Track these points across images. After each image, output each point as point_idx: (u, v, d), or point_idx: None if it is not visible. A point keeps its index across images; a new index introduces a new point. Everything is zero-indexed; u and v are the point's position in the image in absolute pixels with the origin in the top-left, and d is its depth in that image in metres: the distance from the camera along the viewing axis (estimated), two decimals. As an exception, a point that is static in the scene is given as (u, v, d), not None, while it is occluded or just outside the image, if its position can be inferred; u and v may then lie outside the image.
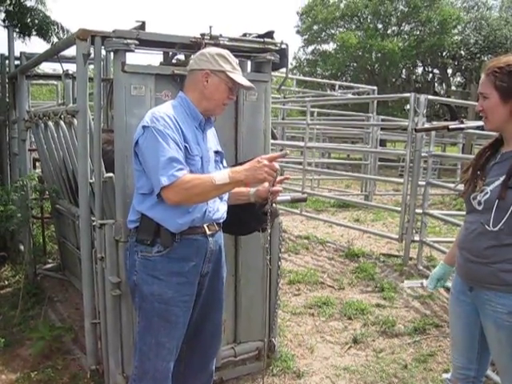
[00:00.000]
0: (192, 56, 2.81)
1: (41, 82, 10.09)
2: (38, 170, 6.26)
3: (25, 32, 6.90)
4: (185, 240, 2.69)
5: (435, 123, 7.58)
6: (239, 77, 2.74)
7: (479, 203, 2.39)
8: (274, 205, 3.00)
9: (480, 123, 2.55)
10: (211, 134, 2.89)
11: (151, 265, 2.69)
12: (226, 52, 2.75)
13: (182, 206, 2.61)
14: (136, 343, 2.84)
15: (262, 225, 3.02)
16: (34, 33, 6.98)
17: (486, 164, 2.48)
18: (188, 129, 2.66)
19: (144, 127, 2.57)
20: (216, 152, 2.87)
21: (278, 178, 2.89)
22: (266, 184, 2.93)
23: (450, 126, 3.63)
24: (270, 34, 3.55)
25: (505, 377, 2.53)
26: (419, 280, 3.09)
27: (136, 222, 2.73)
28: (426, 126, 6.48)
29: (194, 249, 2.74)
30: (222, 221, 2.88)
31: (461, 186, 2.61)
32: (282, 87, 11.94)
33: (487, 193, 2.35)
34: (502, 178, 2.30)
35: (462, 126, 3.61)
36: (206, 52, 2.73)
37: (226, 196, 2.88)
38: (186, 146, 2.62)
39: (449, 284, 2.81)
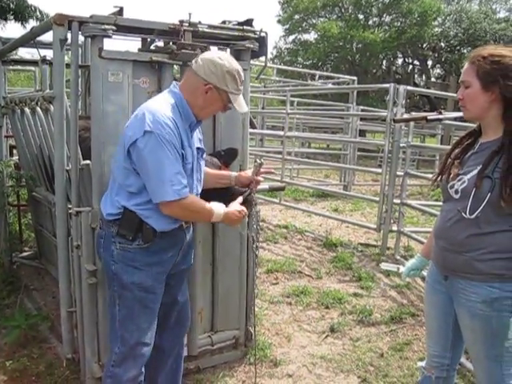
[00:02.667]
0: (200, 56, 2.70)
1: (18, 67, 9.94)
2: (15, 157, 6.18)
3: (1, 16, 6.79)
4: (165, 234, 2.74)
5: (414, 114, 7.62)
6: (239, 99, 2.74)
7: (456, 192, 2.41)
8: (252, 194, 3.03)
9: (458, 114, 2.57)
10: (196, 130, 2.87)
11: (131, 256, 2.72)
12: (236, 70, 2.67)
13: None
14: (116, 330, 2.83)
15: None
16: (11, 17, 6.86)
17: (463, 153, 2.51)
18: (183, 132, 2.64)
19: (146, 132, 2.49)
20: (197, 148, 2.85)
21: (262, 169, 2.99)
22: (249, 172, 3.03)
23: (428, 117, 3.66)
24: (249, 22, 3.53)
25: (477, 364, 2.57)
26: (397, 265, 3.14)
27: (117, 215, 2.71)
28: (405, 116, 6.51)
29: (172, 242, 2.82)
30: None
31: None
32: (263, 76, 11.96)
33: (464, 182, 2.38)
34: (479, 168, 2.33)
35: (440, 116, 3.63)
36: (218, 64, 2.62)
37: (200, 189, 2.90)
38: (182, 153, 2.62)
39: (425, 273, 2.84)
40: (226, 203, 2.89)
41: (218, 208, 2.78)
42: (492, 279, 2.32)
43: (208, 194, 2.92)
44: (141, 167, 2.57)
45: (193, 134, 2.77)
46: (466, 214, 2.33)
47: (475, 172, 2.33)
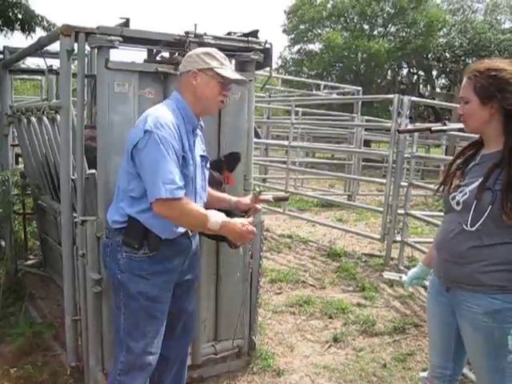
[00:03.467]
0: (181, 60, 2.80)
1: (25, 76, 10.00)
2: (21, 166, 6.21)
3: (8, 26, 6.83)
4: (170, 242, 2.74)
5: (418, 124, 7.64)
6: (228, 71, 2.73)
7: (458, 203, 2.41)
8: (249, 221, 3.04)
9: (462, 125, 2.58)
10: (198, 137, 2.89)
11: (137, 265, 2.72)
12: (212, 49, 2.76)
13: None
14: (121, 339, 2.83)
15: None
16: (18, 27, 6.91)
17: (465, 164, 2.51)
18: (185, 136, 2.66)
19: (146, 131, 2.52)
20: (202, 156, 2.87)
21: (262, 197, 3.01)
22: (248, 199, 3.04)
23: (432, 128, 3.67)
24: (254, 33, 3.56)
25: (480, 376, 2.56)
26: (399, 274, 3.15)
27: (122, 223, 2.72)
28: (409, 127, 6.53)
29: (178, 250, 2.81)
30: None
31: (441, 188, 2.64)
32: (268, 86, 11.98)
33: (466, 193, 2.38)
34: (480, 180, 2.33)
35: (444, 127, 3.64)
36: (192, 53, 2.74)
37: (205, 198, 2.92)
38: (184, 156, 2.63)
39: (427, 283, 2.85)
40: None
41: (215, 215, 2.66)
42: (494, 291, 2.32)
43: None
44: (140, 167, 2.58)
45: (195, 140, 2.79)
46: (466, 226, 2.34)
47: (476, 184, 2.34)
